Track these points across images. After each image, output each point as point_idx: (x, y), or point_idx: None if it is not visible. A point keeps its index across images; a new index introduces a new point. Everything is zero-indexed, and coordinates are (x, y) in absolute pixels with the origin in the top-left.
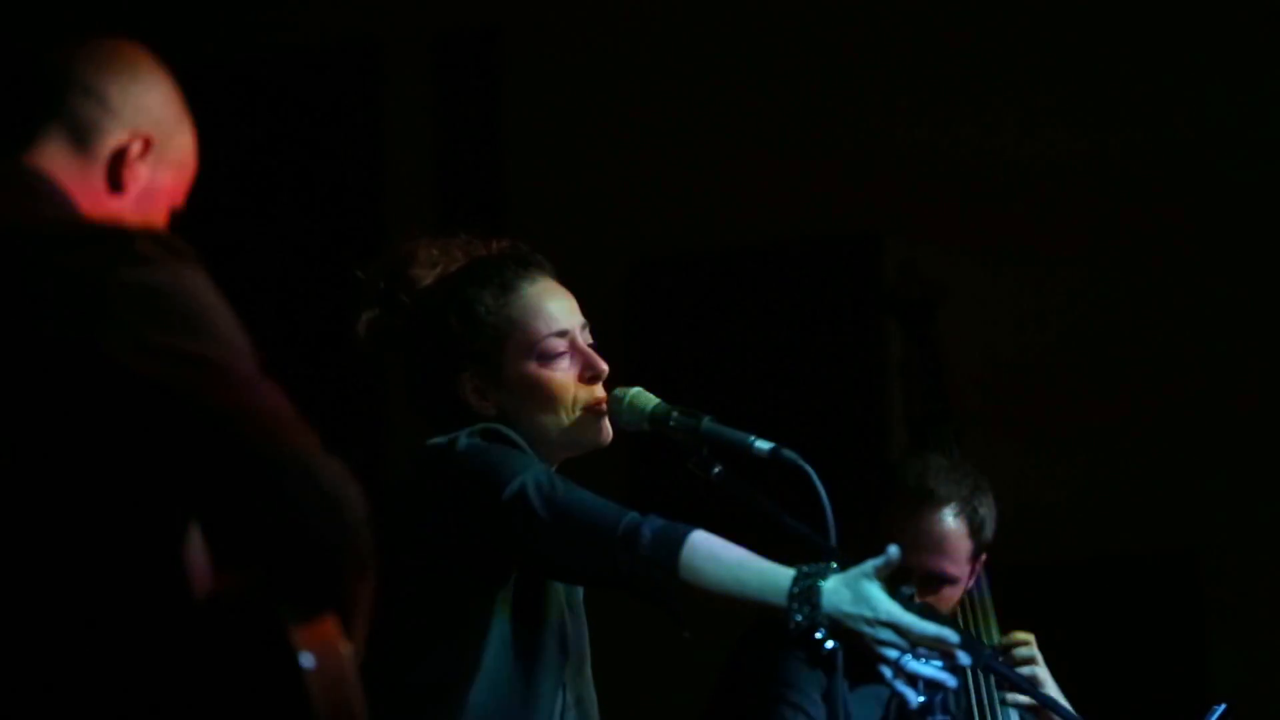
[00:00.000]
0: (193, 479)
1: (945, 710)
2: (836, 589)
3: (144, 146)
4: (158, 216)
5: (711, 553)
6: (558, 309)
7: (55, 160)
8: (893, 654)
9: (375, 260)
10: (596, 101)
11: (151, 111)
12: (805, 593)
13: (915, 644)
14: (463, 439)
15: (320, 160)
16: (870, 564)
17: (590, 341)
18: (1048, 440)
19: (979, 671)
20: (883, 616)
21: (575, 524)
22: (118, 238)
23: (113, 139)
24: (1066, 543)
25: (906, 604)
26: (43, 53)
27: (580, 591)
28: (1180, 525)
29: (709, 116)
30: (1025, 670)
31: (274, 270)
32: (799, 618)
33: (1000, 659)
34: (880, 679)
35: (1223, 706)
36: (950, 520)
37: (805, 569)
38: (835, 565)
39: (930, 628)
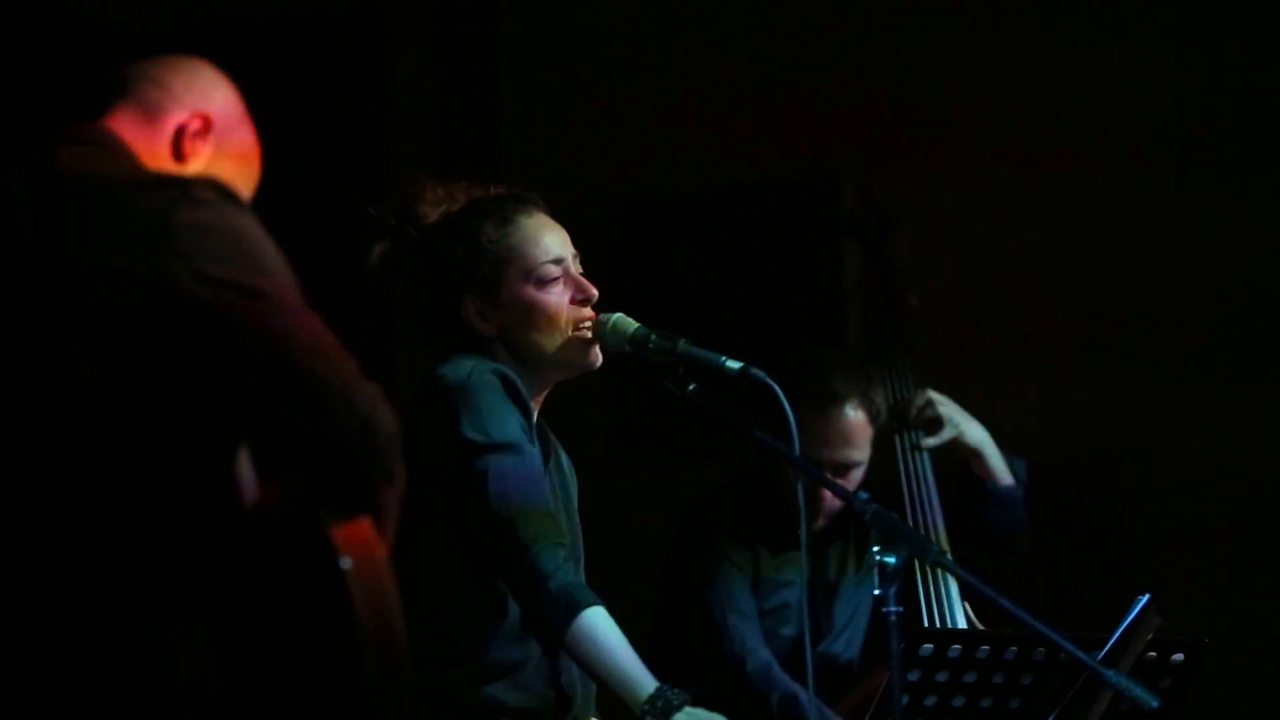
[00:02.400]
0: (244, 396)
1: (899, 602)
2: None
3: (204, 125)
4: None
5: (593, 636)
6: (552, 239)
7: (126, 127)
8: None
9: (386, 199)
10: (584, 59)
11: (213, 101)
12: (663, 709)
13: None
14: (470, 390)
15: (330, 111)
16: None
17: (580, 271)
18: (995, 354)
19: (930, 568)
20: None
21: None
22: (179, 183)
23: (175, 117)
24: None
25: (864, 506)
26: (117, 52)
27: (575, 498)
28: (1128, 422)
29: (685, 72)
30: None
31: (290, 211)
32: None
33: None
34: (796, 543)
35: (1146, 597)
36: (852, 414)
37: (668, 691)
38: (689, 701)
39: None
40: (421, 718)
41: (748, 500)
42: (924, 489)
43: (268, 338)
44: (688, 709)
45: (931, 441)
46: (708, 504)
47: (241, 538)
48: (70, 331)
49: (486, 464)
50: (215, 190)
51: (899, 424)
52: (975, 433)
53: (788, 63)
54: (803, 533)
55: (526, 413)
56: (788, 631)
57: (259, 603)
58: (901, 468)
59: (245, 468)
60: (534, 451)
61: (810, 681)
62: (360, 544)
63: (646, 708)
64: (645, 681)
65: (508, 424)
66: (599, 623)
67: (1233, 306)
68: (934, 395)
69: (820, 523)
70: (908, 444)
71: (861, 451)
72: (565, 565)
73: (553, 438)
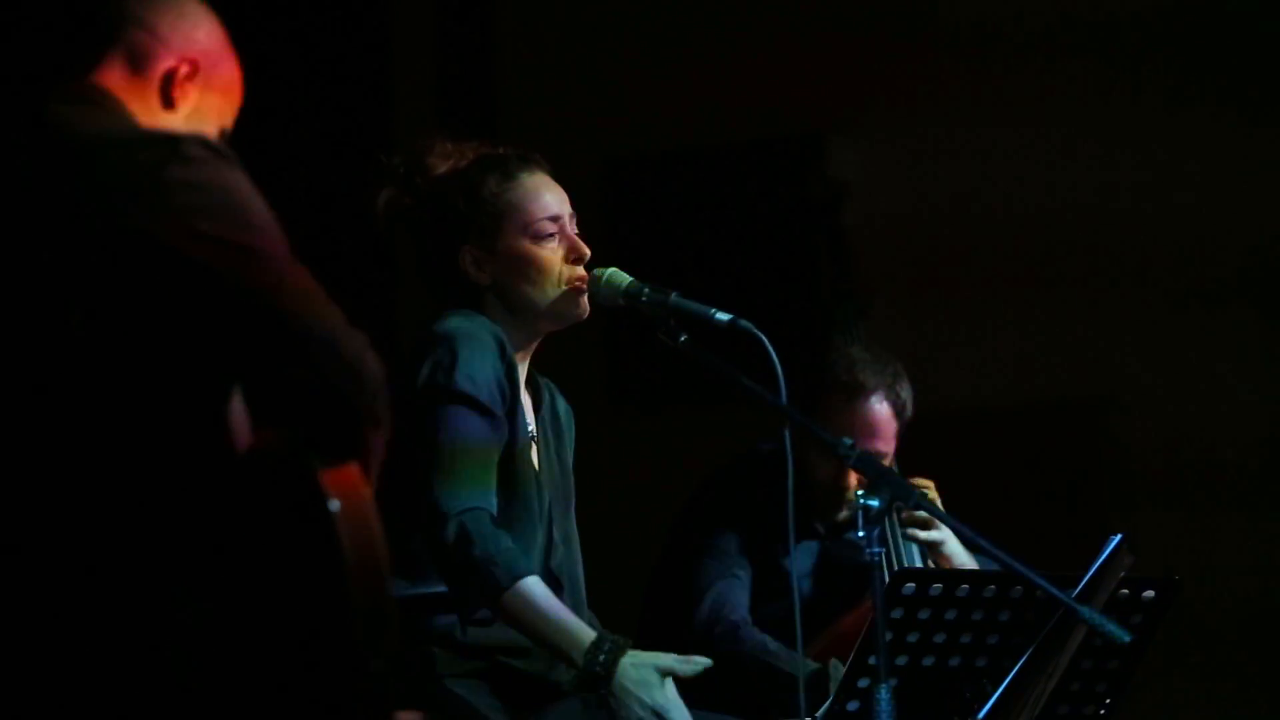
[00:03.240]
0: (234, 347)
1: (881, 543)
2: (626, 668)
3: (191, 69)
4: (208, 134)
5: (531, 597)
6: (552, 198)
7: (116, 81)
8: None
9: (397, 151)
10: (579, 21)
11: (198, 42)
12: (609, 654)
13: None
14: (453, 340)
15: (333, 70)
16: (668, 661)
17: (576, 232)
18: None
19: (891, 513)
20: (651, 705)
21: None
22: (170, 140)
23: (163, 63)
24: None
25: (848, 451)
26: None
27: (569, 444)
28: (1086, 376)
29: (678, 35)
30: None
31: (296, 170)
32: (596, 668)
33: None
34: (813, 535)
35: (1119, 537)
36: (879, 406)
37: (608, 638)
38: (631, 645)
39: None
40: (419, 658)
41: (758, 489)
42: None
43: (256, 291)
44: (630, 652)
45: (921, 535)
46: (715, 492)
47: (233, 482)
48: (64, 288)
49: (445, 412)
50: (205, 147)
51: (896, 511)
52: (954, 545)
53: (773, 27)
54: (790, 484)
55: (511, 371)
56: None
57: (250, 544)
58: (890, 543)
59: (239, 415)
60: (499, 417)
61: (800, 648)
62: (348, 487)
63: (589, 657)
64: (585, 633)
65: (479, 379)
66: (536, 587)
67: (1206, 251)
68: (933, 494)
69: (844, 513)
70: (899, 530)
71: (887, 444)
72: (496, 532)
73: (547, 385)
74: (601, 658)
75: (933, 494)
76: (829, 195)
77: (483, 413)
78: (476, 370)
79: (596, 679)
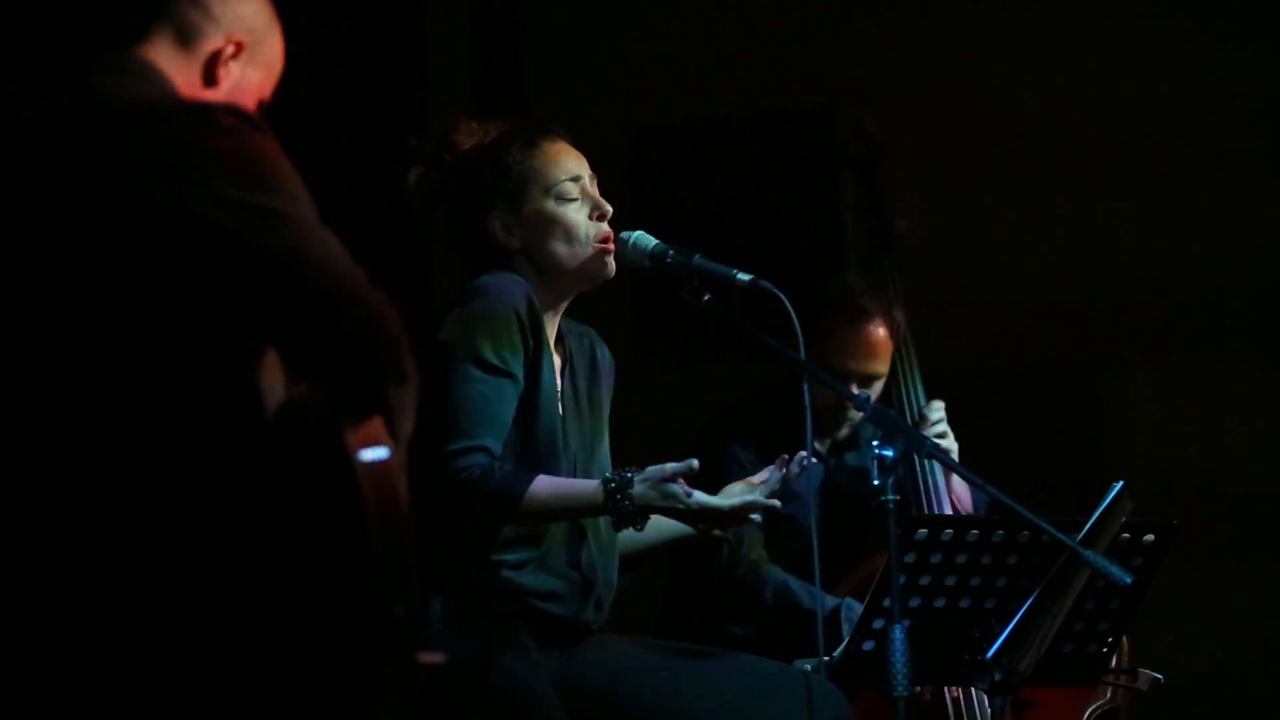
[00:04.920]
0: (261, 310)
1: (897, 490)
2: (644, 492)
3: (236, 49)
4: (247, 107)
5: (536, 492)
6: (571, 160)
7: (162, 55)
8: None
9: (425, 132)
10: (604, 5)
11: (246, 19)
12: (620, 488)
13: (728, 520)
14: (482, 296)
15: (370, 50)
16: (671, 468)
17: (597, 191)
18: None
19: (923, 459)
20: (693, 506)
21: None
22: (203, 110)
23: (211, 42)
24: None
25: (864, 404)
26: None
27: (604, 392)
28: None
29: (701, 9)
30: (936, 429)
31: (335, 145)
32: (621, 510)
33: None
34: (815, 456)
35: (1121, 483)
36: (877, 329)
37: (615, 474)
38: (637, 474)
39: (735, 502)
40: (453, 604)
41: (767, 411)
42: (932, 479)
43: (281, 254)
44: (637, 479)
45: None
46: (727, 413)
47: (261, 439)
48: (98, 253)
49: (454, 367)
50: (237, 116)
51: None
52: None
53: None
54: (808, 430)
55: (536, 327)
56: (797, 546)
57: (275, 499)
58: (920, 480)
59: (273, 374)
60: (507, 371)
61: (818, 582)
62: (370, 442)
63: (610, 504)
64: (597, 489)
65: (491, 334)
66: (540, 489)
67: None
68: (943, 412)
69: (844, 431)
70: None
71: (884, 364)
72: (492, 465)
73: (588, 335)
74: (619, 498)
75: (940, 413)
76: (869, 153)
77: (487, 368)
78: (488, 327)
79: (628, 515)
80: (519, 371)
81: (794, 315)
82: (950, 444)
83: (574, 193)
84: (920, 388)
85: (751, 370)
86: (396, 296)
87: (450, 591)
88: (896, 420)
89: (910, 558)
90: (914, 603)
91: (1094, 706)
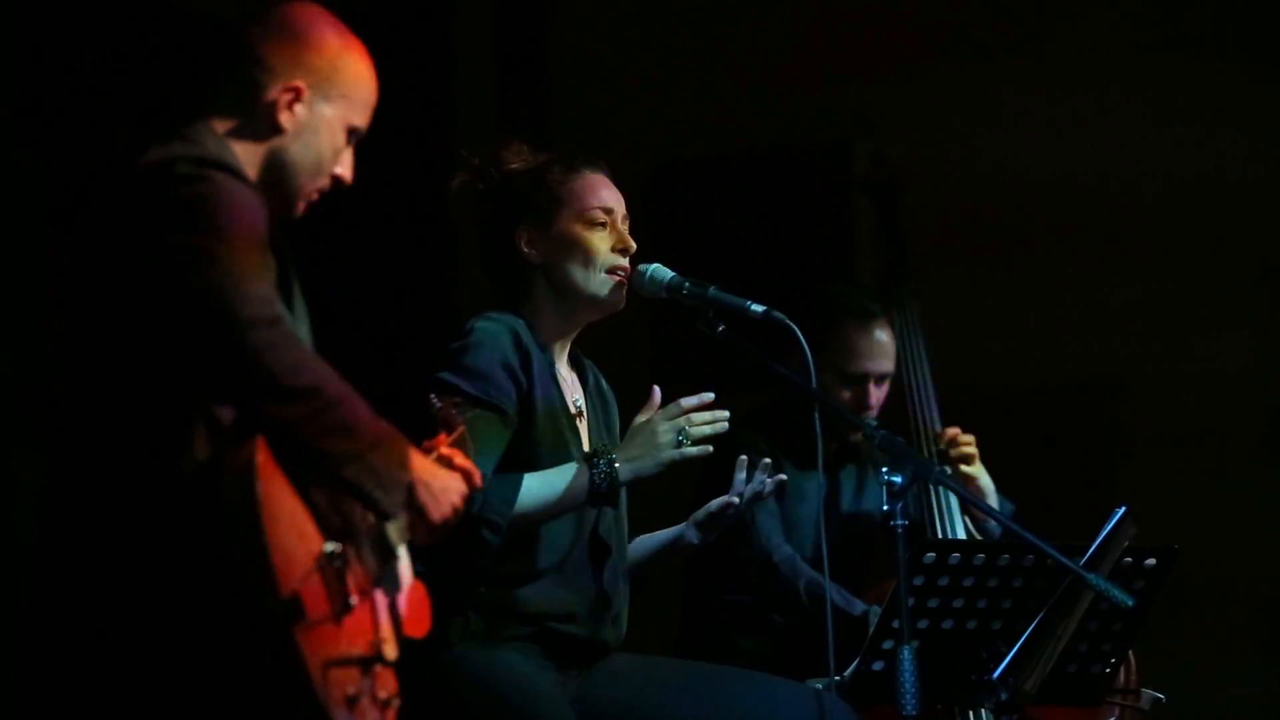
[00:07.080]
0: (174, 339)
1: (905, 516)
2: (624, 464)
3: (294, 95)
4: (333, 142)
5: (525, 496)
6: (609, 193)
7: (227, 117)
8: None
9: (451, 167)
10: (628, 35)
11: (304, 63)
12: (604, 464)
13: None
14: (470, 336)
15: (399, 81)
16: (685, 403)
17: (626, 230)
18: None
19: (934, 487)
20: (655, 463)
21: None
22: (165, 164)
23: (268, 94)
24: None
25: (874, 431)
26: (233, 30)
27: (617, 426)
28: (1089, 358)
29: (720, 49)
30: (964, 467)
31: (363, 172)
32: (602, 482)
33: (942, 452)
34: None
35: (1124, 508)
36: (884, 331)
37: (590, 455)
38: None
39: (691, 401)
40: (471, 624)
41: (779, 421)
42: (946, 501)
43: (193, 290)
44: (614, 452)
45: (962, 469)
46: (744, 420)
47: (182, 488)
48: (93, 288)
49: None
50: (194, 163)
51: (940, 452)
52: (986, 480)
53: (806, 43)
54: (819, 457)
55: (526, 361)
56: (802, 551)
57: (172, 539)
58: (935, 509)
59: (220, 418)
60: (492, 402)
61: (828, 587)
62: (238, 459)
63: (593, 482)
64: (580, 472)
65: (476, 368)
66: (525, 499)
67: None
68: (972, 449)
69: (854, 437)
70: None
71: (892, 363)
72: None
73: (590, 367)
74: (600, 473)
75: (972, 449)
76: (888, 180)
77: (469, 400)
78: (474, 361)
79: (611, 482)
80: (509, 400)
81: (805, 345)
82: (977, 469)
83: (604, 220)
84: (916, 318)
85: (758, 398)
86: (423, 304)
87: (468, 611)
88: (905, 447)
89: (919, 580)
90: (922, 624)
91: None
